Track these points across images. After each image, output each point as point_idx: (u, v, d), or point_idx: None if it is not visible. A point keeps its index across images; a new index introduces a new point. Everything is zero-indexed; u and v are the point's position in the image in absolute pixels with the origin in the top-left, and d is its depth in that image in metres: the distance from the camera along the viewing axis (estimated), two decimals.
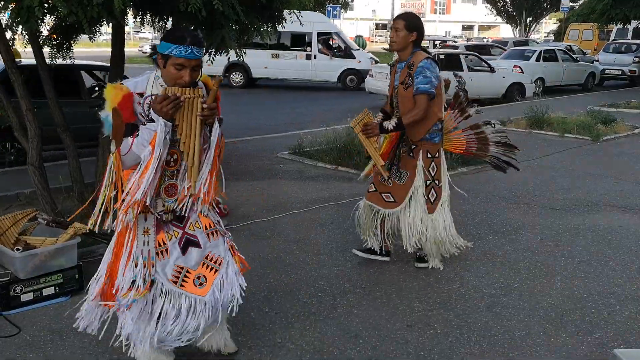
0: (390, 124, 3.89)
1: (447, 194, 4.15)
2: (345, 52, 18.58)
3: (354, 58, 18.36)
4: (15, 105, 4.91)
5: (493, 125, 4.32)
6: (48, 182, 4.96)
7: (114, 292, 2.67)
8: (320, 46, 18.43)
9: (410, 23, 3.86)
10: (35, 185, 4.89)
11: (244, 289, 2.87)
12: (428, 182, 4.05)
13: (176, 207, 2.65)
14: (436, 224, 4.06)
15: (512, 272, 4.28)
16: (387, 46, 39.45)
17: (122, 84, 2.50)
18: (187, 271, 2.70)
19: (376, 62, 18.35)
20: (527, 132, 10.14)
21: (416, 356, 3.18)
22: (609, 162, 8.00)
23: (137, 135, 2.42)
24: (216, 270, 2.76)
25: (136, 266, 2.60)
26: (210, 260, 2.76)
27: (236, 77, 18.37)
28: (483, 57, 15.92)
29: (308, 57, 18.30)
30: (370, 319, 3.56)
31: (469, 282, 4.09)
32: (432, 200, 4.07)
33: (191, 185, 2.56)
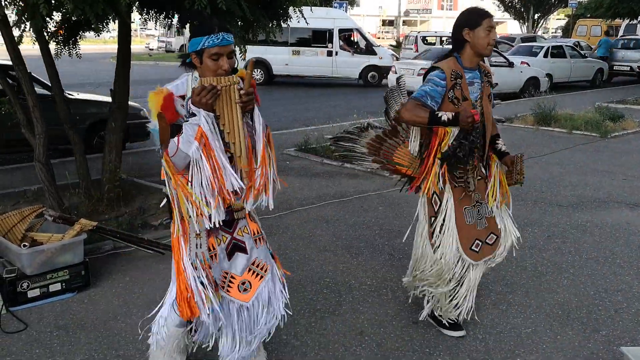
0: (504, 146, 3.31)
1: None
2: (367, 49, 18.59)
3: (376, 54, 18.39)
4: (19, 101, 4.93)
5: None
6: (55, 178, 4.98)
7: (188, 297, 2.58)
8: (341, 42, 18.45)
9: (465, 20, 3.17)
10: (42, 181, 4.91)
11: (288, 305, 2.81)
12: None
13: (245, 204, 2.58)
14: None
15: (519, 269, 4.26)
16: (393, 43, 39.34)
17: (160, 87, 2.44)
18: (232, 277, 2.65)
19: (397, 58, 18.32)
20: (534, 129, 10.10)
21: (422, 353, 3.17)
22: (617, 158, 7.94)
23: (182, 133, 2.37)
24: (261, 277, 2.70)
25: (195, 269, 2.55)
26: (257, 266, 2.70)
27: (256, 74, 18.40)
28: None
29: (329, 53, 18.33)
30: (376, 316, 3.56)
31: None
32: None
33: (244, 177, 2.51)
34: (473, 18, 3.05)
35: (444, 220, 3.18)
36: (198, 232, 2.56)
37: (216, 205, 2.45)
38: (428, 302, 3.39)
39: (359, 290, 3.91)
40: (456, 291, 3.27)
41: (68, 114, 5.25)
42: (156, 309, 2.81)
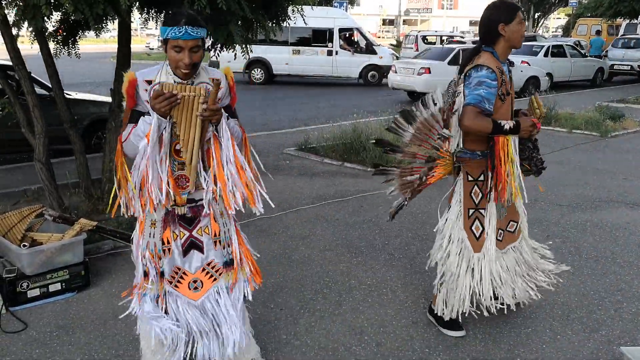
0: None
1: None
2: (367, 48, 18.61)
3: (376, 54, 18.42)
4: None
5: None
6: (55, 178, 4.98)
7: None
8: (341, 42, 18.47)
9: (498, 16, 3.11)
10: (42, 181, 4.90)
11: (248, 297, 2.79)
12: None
13: (197, 200, 2.59)
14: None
15: None
16: (394, 42, 39.31)
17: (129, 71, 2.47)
18: (184, 273, 2.66)
19: (397, 58, 18.31)
20: None
21: (421, 353, 3.17)
22: (617, 158, 7.94)
23: (138, 125, 2.42)
24: (215, 279, 2.69)
25: (144, 257, 2.59)
26: (212, 267, 2.69)
27: (257, 74, 18.42)
28: None
29: (329, 53, 18.35)
30: (376, 316, 3.56)
31: None
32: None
33: (190, 184, 2.51)
34: (507, 12, 3.04)
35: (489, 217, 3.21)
36: (153, 221, 2.58)
37: (142, 205, 2.48)
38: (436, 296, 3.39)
39: (359, 290, 3.91)
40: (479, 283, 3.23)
41: (68, 114, 5.25)
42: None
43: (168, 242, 2.62)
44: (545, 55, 17.32)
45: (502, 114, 3.08)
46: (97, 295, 3.78)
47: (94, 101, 7.99)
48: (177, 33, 2.34)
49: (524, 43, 19.27)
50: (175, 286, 2.66)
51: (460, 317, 3.35)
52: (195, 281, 2.67)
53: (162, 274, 2.64)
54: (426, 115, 3.29)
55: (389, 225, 5.16)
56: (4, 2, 4.23)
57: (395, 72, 14.69)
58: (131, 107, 2.45)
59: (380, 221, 5.27)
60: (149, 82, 2.45)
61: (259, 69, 18.41)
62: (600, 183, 6.61)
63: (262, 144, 8.57)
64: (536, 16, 38.54)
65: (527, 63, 16.16)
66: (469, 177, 3.21)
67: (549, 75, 16.94)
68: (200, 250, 2.66)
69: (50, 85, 5.72)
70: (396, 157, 3.60)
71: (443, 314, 3.33)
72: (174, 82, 2.46)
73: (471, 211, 3.22)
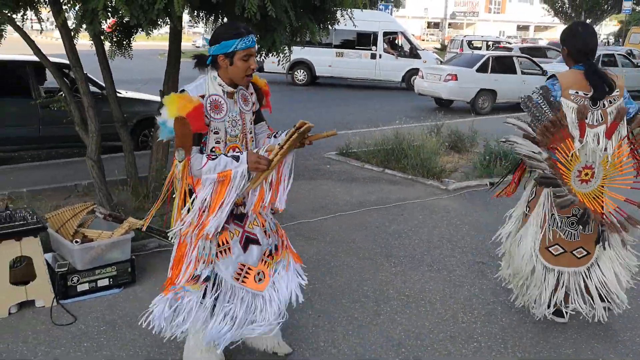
0: None
1: None
2: (411, 52, 18.54)
3: (420, 58, 18.29)
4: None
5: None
6: (105, 175, 5.15)
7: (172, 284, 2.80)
8: (385, 45, 18.44)
9: (561, 37, 3.39)
10: (93, 178, 5.09)
11: (303, 285, 3.02)
12: None
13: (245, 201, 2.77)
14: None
15: None
16: (438, 46, 38.93)
17: (184, 91, 2.60)
18: (249, 268, 2.82)
19: (441, 62, 18.17)
20: None
21: None
22: None
23: (213, 158, 2.58)
24: (270, 265, 2.88)
25: (201, 262, 2.72)
26: (267, 256, 2.88)
27: (300, 75, 18.58)
28: (537, 59, 15.59)
29: (373, 56, 18.36)
30: (414, 328, 3.57)
31: None
32: None
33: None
34: None
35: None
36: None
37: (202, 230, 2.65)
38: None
39: (396, 300, 3.92)
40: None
41: (120, 113, 5.42)
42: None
43: (226, 243, 2.76)
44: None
45: None
46: (142, 292, 3.91)
47: (142, 100, 8.22)
48: (247, 43, 2.56)
49: None
50: (243, 282, 2.81)
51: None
52: (259, 273, 2.84)
53: (207, 279, 2.75)
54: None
55: (428, 235, 5.15)
56: (64, 6, 4.42)
57: (422, 78, 14.37)
58: (203, 132, 2.60)
59: (420, 230, 5.27)
60: (202, 97, 2.61)
61: (302, 70, 18.54)
62: None
63: (304, 147, 8.63)
64: (587, 22, 37.60)
65: None
66: None
67: None
68: (257, 242, 2.84)
69: (102, 84, 5.94)
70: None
71: None
72: (224, 91, 2.66)
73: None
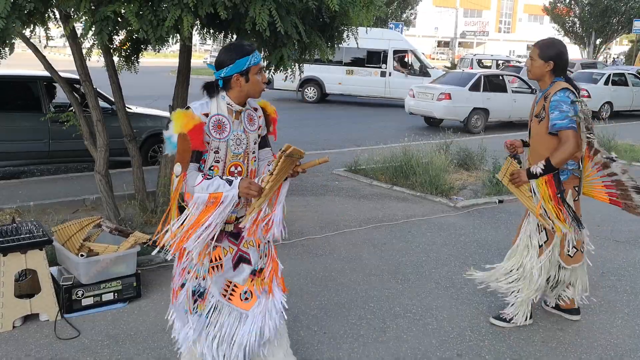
0: (537, 168, 3.45)
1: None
2: (421, 70, 18.58)
3: (430, 76, 18.27)
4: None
5: (614, 159, 3.64)
6: (113, 190, 5.17)
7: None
8: (395, 63, 18.52)
9: (544, 52, 3.50)
10: (100, 192, 5.11)
11: (284, 313, 2.93)
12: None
13: (240, 217, 2.74)
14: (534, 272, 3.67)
15: None
16: (448, 64, 39.09)
17: (189, 109, 2.63)
18: (235, 285, 2.81)
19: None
20: None
21: None
22: None
23: (208, 177, 2.58)
24: (257, 284, 2.85)
25: (192, 276, 2.72)
26: (258, 277, 2.85)
27: (310, 92, 18.70)
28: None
29: (383, 74, 18.45)
30: (420, 346, 3.51)
31: None
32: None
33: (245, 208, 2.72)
34: None
35: None
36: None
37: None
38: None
39: (403, 318, 3.87)
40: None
41: (129, 128, 5.46)
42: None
43: (218, 259, 2.76)
44: (606, 83, 16.84)
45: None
46: (147, 307, 3.89)
47: (151, 115, 8.28)
48: (257, 58, 2.65)
49: (583, 70, 18.70)
50: (229, 299, 2.80)
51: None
52: (245, 292, 2.82)
53: (201, 294, 2.77)
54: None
55: (436, 252, 5.10)
56: (73, 16, 4.45)
57: (413, 97, 14.03)
58: (201, 149, 2.61)
59: (428, 248, 5.22)
60: (206, 115, 2.64)
61: (312, 88, 18.66)
62: None
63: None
64: (597, 42, 37.55)
65: (587, 91, 15.75)
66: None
67: (609, 104, 16.45)
68: (249, 262, 2.83)
69: (112, 99, 5.98)
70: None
71: None
72: (231, 110, 2.69)
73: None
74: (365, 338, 3.58)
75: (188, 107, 2.65)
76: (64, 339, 3.43)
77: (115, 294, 3.85)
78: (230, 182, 2.57)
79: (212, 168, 2.67)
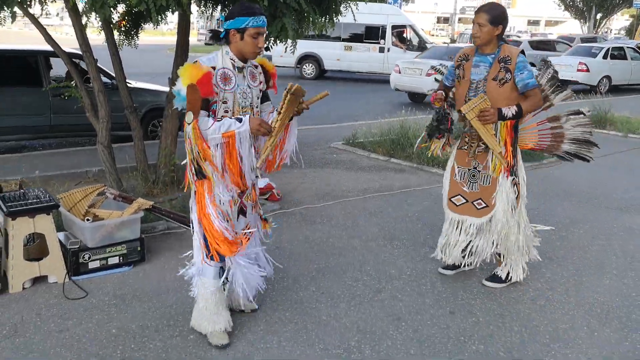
0: (510, 111, 3.58)
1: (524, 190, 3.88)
2: (419, 46, 18.48)
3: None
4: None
5: (584, 114, 4.02)
6: (115, 161, 5.28)
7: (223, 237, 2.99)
8: (393, 39, 18.45)
9: (495, 17, 3.58)
10: (103, 162, 5.22)
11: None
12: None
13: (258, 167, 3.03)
14: (517, 225, 3.80)
15: (560, 267, 4.27)
16: (447, 40, 38.86)
17: (198, 62, 2.80)
18: (236, 233, 3.10)
19: (452, 57, 18.06)
20: None
21: (456, 341, 3.26)
22: None
23: (219, 120, 2.80)
24: (248, 238, 3.15)
25: (218, 218, 2.96)
26: (247, 228, 3.19)
27: (308, 69, 18.67)
28: (546, 52, 15.56)
29: (381, 49, 18.37)
30: (414, 304, 3.66)
31: None
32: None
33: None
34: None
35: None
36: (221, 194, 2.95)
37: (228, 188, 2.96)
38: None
39: (398, 280, 4.01)
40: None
41: (130, 100, 5.54)
42: (185, 269, 3.20)
43: (230, 208, 3.06)
44: (605, 57, 16.83)
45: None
46: (151, 270, 4.03)
47: (151, 90, 8.34)
48: (258, 22, 2.81)
49: (582, 44, 18.63)
50: None
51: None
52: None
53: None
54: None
55: (432, 220, 5.23)
56: None
57: (400, 72, 13.78)
58: (210, 96, 2.79)
59: (424, 216, 5.35)
60: (213, 68, 2.83)
61: (311, 64, 18.63)
62: None
63: (311, 137, 8.73)
64: (598, 17, 37.28)
65: (585, 64, 15.76)
66: None
67: (607, 78, 16.45)
68: (244, 214, 3.14)
69: (112, 74, 6.06)
70: None
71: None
72: (234, 66, 2.91)
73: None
74: (362, 298, 3.73)
75: (196, 61, 2.81)
76: (72, 298, 3.57)
77: (121, 258, 3.99)
78: (239, 120, 2.81)
79: (221, 119, 2.85)
